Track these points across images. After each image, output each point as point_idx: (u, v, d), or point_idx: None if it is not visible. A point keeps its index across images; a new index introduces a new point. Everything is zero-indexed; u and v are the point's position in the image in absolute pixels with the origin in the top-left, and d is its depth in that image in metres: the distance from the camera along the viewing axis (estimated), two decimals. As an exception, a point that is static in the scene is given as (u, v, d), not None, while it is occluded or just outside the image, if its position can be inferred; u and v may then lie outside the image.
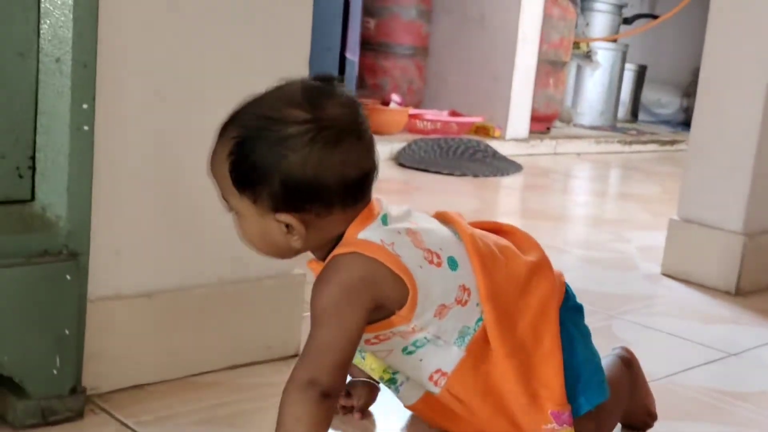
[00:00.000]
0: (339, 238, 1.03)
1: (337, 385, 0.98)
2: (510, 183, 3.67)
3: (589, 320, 1.87)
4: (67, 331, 1.16)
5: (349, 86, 2.54)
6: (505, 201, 3.42)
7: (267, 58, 1.38)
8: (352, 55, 2.52)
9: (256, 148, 0.98)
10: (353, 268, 0.99)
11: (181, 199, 1.33)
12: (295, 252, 1.06)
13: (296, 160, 0.97)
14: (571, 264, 2.36)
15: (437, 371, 1.08)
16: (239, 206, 1.03)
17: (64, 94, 1.12)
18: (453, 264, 1.06)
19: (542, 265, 1.13)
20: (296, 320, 1.50)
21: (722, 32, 2.21)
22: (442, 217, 1.14)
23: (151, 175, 1.29)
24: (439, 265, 1.04)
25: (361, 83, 4.22)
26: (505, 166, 3.93)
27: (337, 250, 1.02)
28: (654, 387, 1.53)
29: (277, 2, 1.38)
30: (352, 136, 1.00)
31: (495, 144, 4.27)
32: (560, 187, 3.97)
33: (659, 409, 1.45)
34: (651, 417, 1.30)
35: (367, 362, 1.16)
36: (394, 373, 1.15)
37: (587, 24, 5.59)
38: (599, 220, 3.23)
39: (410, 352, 1.07)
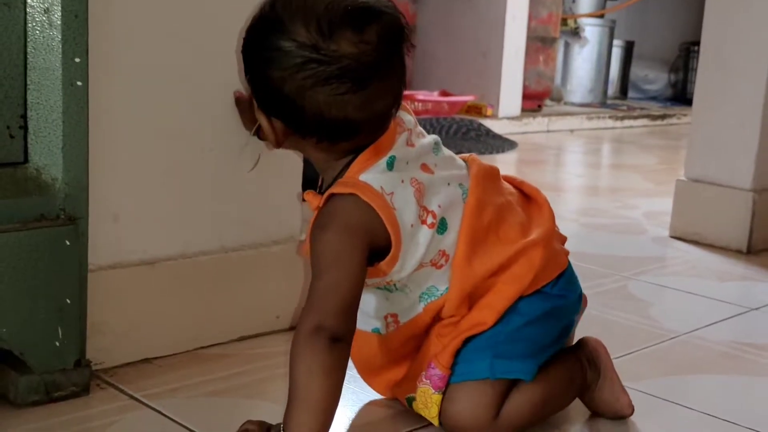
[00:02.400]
0: (348, 165, 1.00)
1: (345, 328, 0.94)
2: (506, 159, 3.61)
3: (603, 281, 1.83)
4: (68, 301, 1.09)
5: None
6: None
7: None
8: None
9: (251, 41, 0.97)
10: (351, 213, 0.95)
11: (183, 160, 1.26)
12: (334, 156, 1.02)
13: (277, 76, 0.94)
14: (577, 231, 2.31)
15: (392, 315, 1.07)
16: (255, 104, 1.04)
17: (55, 48, 1.05)
18: (443, 227, 1.01)
19: (534, 244, 1.05)
20: (305, 288, 1.44)
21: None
22: (470, 162, 1.08)
23: (150, 133, 1.22)
24: (432, 226, 1.00)
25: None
26: (500, 144, 3.88)
27: (335, 188, 0.98)
28: (677, 342, 1.49)
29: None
30: (361, 78, 0.94)
31: (488, 123, 4.21)
32: (557, 161, 3.92)
33: (684, 362, 1.41)
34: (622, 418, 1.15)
35: None
36: None
37: (574, 0, 5.54)
38: (602, 190, 3.19)
39: (388, 289, 1.06)
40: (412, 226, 0.98)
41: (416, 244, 0.99)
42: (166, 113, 1.23)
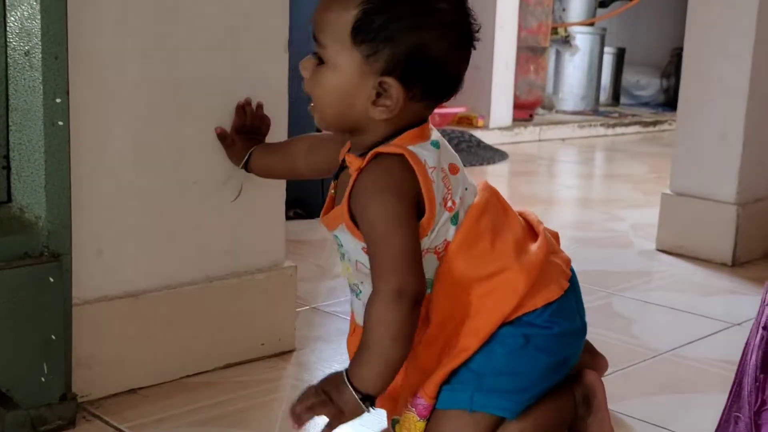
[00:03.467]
0: (385, 139, 1.00)
1: (423, 288, 0.96)
2: (497, 171, 3.64)
3: (588, 299, 1.83)
4: (53, 336, 1.11)
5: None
6: (492, 189, 3.38)
7: (246, 42, 1.34)
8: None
9: (398, 6, 0.96)
10: (402, 174, 0.97)
11: (165, 194, 1.28)
12: (352, 125, 1.01)
13: (434, 36, 0.95)
14: (564, 245, 2.30)
15: None
16: (338, 57, 0.97)
17: (36, 89, 1.08)
18: (455, 219, 1.03)
19: (520, 269, 1.05)
20: (290, 314, 1.46)
21: (704, 3, 2.18)
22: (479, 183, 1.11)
23: (133, 168, 1.24)
24: (450, 210, 1.01)
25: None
26: (491, 155, 3.90)
27: (383, 148, 0.98)
28: (658, 361, 1.51)
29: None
30: (473, 40, 1.01)
31: (479, 133, 4.23)
32: (548, 172, 3.94)
33: (667, 381, 1.43)
34: None
35: (345, 266, 1.12)
36: (358, 291, 1.09)
37: (564, 9, 5.56)
38: (590, 201, 3.21)
39: None
40: (439, 204, 1.00)
41: (437, 223, 1.01)
42: (148, 148, 1.25)
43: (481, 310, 1.04)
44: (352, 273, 1.06)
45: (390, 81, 0.96)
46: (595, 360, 1.21)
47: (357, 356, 0.96)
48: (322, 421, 0.95)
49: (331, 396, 0.94)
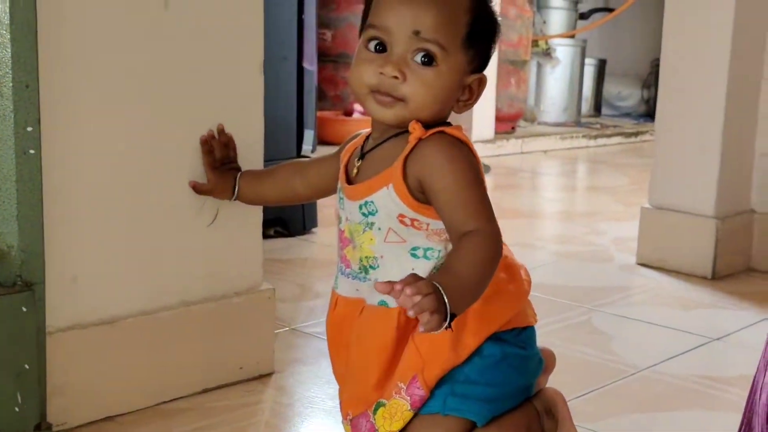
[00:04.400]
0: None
1: None
2: (479, 184, 3.64)
3: (568, 315, 1.86)
4: (27, 366, 1.10)
5: (309, 97, 2.49)
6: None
7: (221, 69, 1.34)
8: (310, 65, 2.48)
9: (490, 8, 1.02)
10: (467, 149, 1.00)
11: (139, 219, 1.28)
12: (437, 119, 1.02)
13: (498, 28, 1.04)
14: (546, 259, 2.34)
15: None
16: (452, 59, 0.98)
17: (7, 117, 1.07)
18: None
19: (517, 290, 1.07)
20: (268, 337, 1.45)
21: (679, 18, 2.20)
22: None
23: (105, 196, 1.24)
24: None
25: (322, 95, 4.18)
26: (473, 168, 3.91)
27: (448, 129, 1.00)
28: (637, 378, 1.51)
29: (228, 13, 1.34)
30: None
31: (461, 146, 4.24)
32: (530, 185, 3.95)
33: (645, 399, 1.43)
34: None
35: (364, 238, 1.08)
36: (371, 267, 1.08)
37: (544, 21, 5.59)
38: (571, 214, 3.21)
39: (415, 256, 1.03)
40: None
41: None
42: (122, 175, 1.25)
43: (486, 313, 1.04)
44: (377, 244, 1.03)
45: (480, 78, 1.03)
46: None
47: (451, 278, 0.92)
48: None
49: (427, 295, 0.89)
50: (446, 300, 0.89)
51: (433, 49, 0.97)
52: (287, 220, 2.49)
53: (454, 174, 0.98)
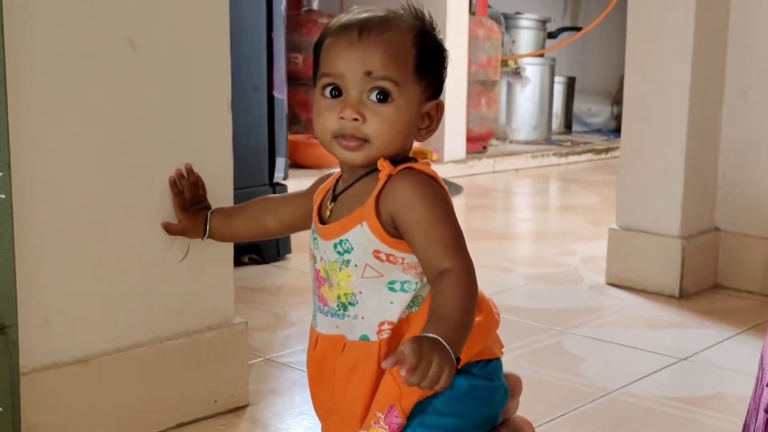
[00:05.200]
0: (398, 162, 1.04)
1: None
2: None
3: (539, 338, 1.89)
4: (0, 408, 1.11)
5: (280, 125, 2.52)
6: (448, 224, 3.41)
7: (189, 108, 1.36)
8: (280, 94, 2.50)
9: (435, 37, 1.05)
10: (437, 185, 1.03)
11: (111, 258, 1.29)
12: (401, 152, 1.05)
13: (446, 57, 1.06)
14: (517, 282, 2.37)
15: (390, 323, 1.05)
16: (405, 94, 1.01)
17: (-23, 164, 1.08)
18: None
19: (487, 321, 1.11)
20: (242, 370, 1.47)
21: (641, 45, 2.25)
22: None
23: (76, 237, 1.25)
24: None
25: (295, 119, 4.20)
26: (446, 189, 3.94)
27: (417, 165, 1.02)
28: (606, 401, 1.54)
29: (195, 53, 1.36)
30: None
31: (433, 167, 4.27)
32: (502, 205, 3.99)
33: (614, 422, 1.45)
34: None
35: (341, 276, 1.10)
36: (350, 304, 1.10)
37: (513, 41, 5.66)
38: (542, 235, 3.25)
39: (393, 289, 1.05)
40: None
41: None
42: (93, 214, 1.26)
43: None
44: (354, 281, 1.05)
45: (437, 104, 1.05)
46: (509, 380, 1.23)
47: (443, 325, 0.96)
48: None
49: (435, 357, 0.92)
50: (449, 349, 0.93)
51: (387, 85, 1.00)
52: (261, 247, 2.50)
53: (425, 210, 1.00)
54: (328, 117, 1.02)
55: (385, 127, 1.02)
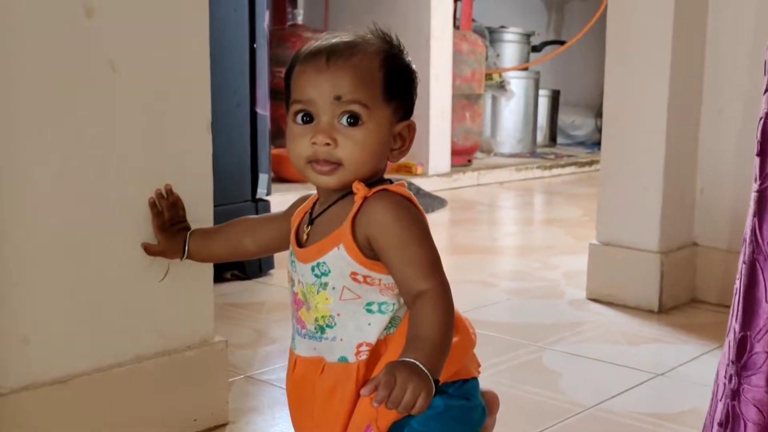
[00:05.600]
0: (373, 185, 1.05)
1: None
2: (436, 219, 3.70)
3: (518, 353, 1.90)
4: (-22, 430, 1.12)
5: (263, 141, 2.53)
6: (432, 237, 3.43)
7: (169, 129, 1.37)
8: (263, 110, 2.52)
9: (402, 59, 1.07)
10: (412, 206, 1.05)
11: (91, 278, 1.30)
12: (376, 174, 1.07)
13: (415, 78, 1.08)
14: (499, 297, 2.38)
15: (368, 344, 1.07)
16: (375, 116, 1.03)
17: (-44, 187, 1.09)
18: None
19: (462, 341, 1.12)
20: (222, 388, 1.48)
21: (620, 64, 2.28)
22: None
23: (57, 255, 1.26)
24: None
25: (279, 133, 4.22)
26: (430, 203, 3.96)
27: (392, 187, 1.04)
28: (583, 417, 1.55)
29: (176, 75, 1.37)
30: None
31: (418, 181, 4.30)
32: (485, 219, 4.01)
33: (591, 439, 1.47)
34: None
35: (318, 299, 1.11)
36: (327, 326, 1.11)
37: (498, 55, 5.70)
38: (525, 249, 3.27)
39: (371, 311, 1.06)
40: None
41: None
42: (72, 235, 1.27)
43: None
44: (332, 303, 1.07)
45: (408, 125, 1.06)
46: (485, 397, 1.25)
47: (422, 348, 0.97)
48: None
49: (410, 384, 0.94)
50: (427, 372, 0.95)
51: (356, 109, 1.02)
52: (244, 264, 2.51)
53: (401, 232, 1.02)
54: (300, 143, 1.04)
55: (357, 150, 1.03)
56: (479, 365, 1.16)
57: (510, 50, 5.79)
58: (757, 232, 0.81)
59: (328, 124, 1.03)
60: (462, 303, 1.18)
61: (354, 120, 1.03)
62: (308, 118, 1.04)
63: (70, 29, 1.24)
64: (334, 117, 1.03)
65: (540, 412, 1.56)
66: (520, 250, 3.28)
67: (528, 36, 5.93)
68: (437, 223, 3.63)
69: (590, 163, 5.62)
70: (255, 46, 2.48)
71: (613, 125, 2.31)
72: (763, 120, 0.83)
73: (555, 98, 6.44)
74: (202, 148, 1.41)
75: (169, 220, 1.30)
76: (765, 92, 0.83)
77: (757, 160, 0.83)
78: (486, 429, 1.19)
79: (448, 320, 1.01)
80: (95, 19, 1.26)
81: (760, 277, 0.82)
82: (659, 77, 2.19)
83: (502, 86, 5.62)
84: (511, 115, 5.72)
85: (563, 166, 5.42)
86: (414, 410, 0.95)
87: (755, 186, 0.83)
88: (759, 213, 0.81)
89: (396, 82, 1.05)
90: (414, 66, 1.10)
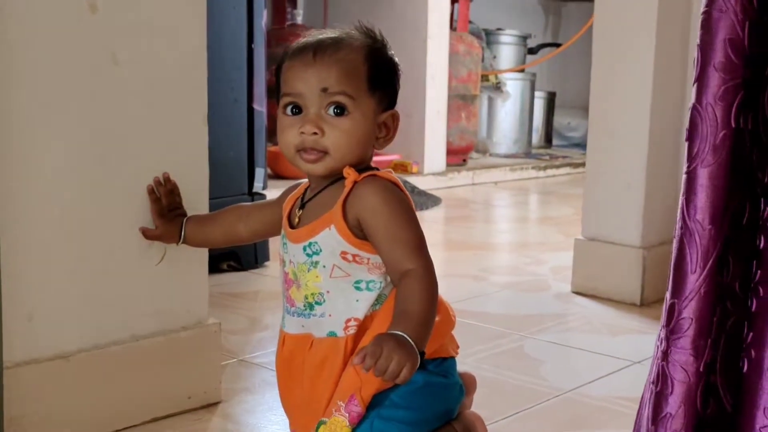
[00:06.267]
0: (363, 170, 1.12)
1: None
2: (431, 216, 3.77)
3: (501, 342, 1.98)
4: (-16, 399, 1.19)
5: (259, 137, 2.60)
6: (426, 235, 3.49)
7: (167, 120, 1.44)
8: (260, 106, 2.59)
9: (385, 52, 1.14)
10: (399, 191, 1.12)
11: (92, 260, 1.37)
12: (362, 161, 1.13)
13: (398, 70, 1.15)
14: (487, 290, 2.46)
15: (356, 320, 1.13)
16: (361, 106, 1.10)
17: (-34, 170, 1.16)
18: None
19: (442, 322, 1.19)
20: (215, 368, 1.55)
21: (605, 65, 2.36)
22: None
23: (60, 236, 1.33)
24: None
25: (276, 130, 4.29)
26: (424, 201, 4.03)
27: (381, 173, 1.11)
28: (561, 400, 1.63)
29: (175, 68, 1.44)
30: None
31: (414, 179, 4.37)
32: (480, 217, 4.08)
33: (567, 419, 1.54)
34: None
35: (309, 277, 1.17)
36: (316, 303, 1.16)
37: (494, 57, 5.78)
38: (516, 245, 3.35)
39: (359, 288, 1.13)
40: None
41: None
42: (74, 219, 1.35)
43: None
44: (322, 281, 1.13)
45: (392, 114, 1.13)
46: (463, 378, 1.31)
47: (408, 321, 1.04)
48: None
49: (395, 355, 1.00)
50: (413, 344, 1.02)
51: (342, 99, 1.09)
52: (240, 254, 2.58)
53: (389, 214, 1.09)
54: (290, 133, 1.11)
55: (343, 138, 1.11)
56: (458, 346, 1.23)
57: (506, 52, 5.87)
58: (685, 210, 0.89)
59: (316, 115, 1.10)
60: (452, 295, 1.25)
61: (340, 110, 1.10)
62: (297, 109, 1.11)
63: (76, 24, 1.32)
64: (321, 108, 1.10)
65: (518, 395, 1.63)
66: (511, 246, 3.36)
67: (524, 38, 6.01)
68: (432, 220, 3.70)
69: (584, 165, 5.67)
70: (252, 43, 2.55)
71: (599, 125, 2.39)
72: (690, 109, 0.91)
73: (551, 100, 6.51)
74: (199, 139, 1.49)
75: (167, 206, 1.37)
76: (693, 83, 0.91)
77: (686, 146, 0.90)
78: (463, 407, 1.26)
79: (433, 297, 1.08)
80: (99, 15, 1.34)
81: (687, 251, 0.90)
82: (643, 79, 2.27)
83: (498, 87, 5.69)
84: (506, 116, 5.79)
85: (558, 166, 5.49)
86: (399, 379, 1.02)
87: (684, 168, 0.91)
88: (687, 193, 0.89)
89: (379, 74, 1.12)
90: (397, 59, 1.17)
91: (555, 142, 6.66)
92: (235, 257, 2.58)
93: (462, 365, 1.19)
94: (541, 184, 5.10)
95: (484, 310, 2.22)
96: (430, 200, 4.07)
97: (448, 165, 4.82)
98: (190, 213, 1.37)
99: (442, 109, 4.69)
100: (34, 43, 1.27)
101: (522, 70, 5.89)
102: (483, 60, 5.30)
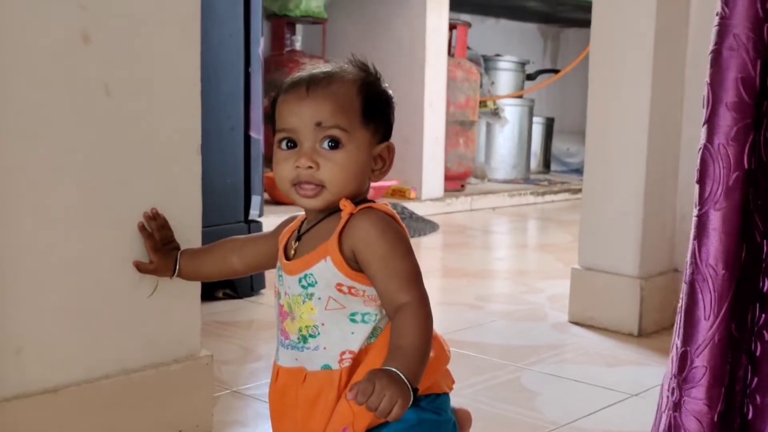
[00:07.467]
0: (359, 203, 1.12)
1: None
2: (428, 242, 3.76)
3: (497, 373, 1.96)
4: (-29, 435, 1.17)
5: (256, 164, 2.60)
6: (423, 261, 3.48)
7: (159, 151, 1.43)
8: (256, 134, 2.59)
9: (379, 85, 1.14)
10: (395, 223, 1.12)
11: (82, 291, 1.36)
12: (358, 194, 1.13)
13: (393, 103, 1.16)
14: (483, 319, 2.44)
15: (351, 352, 1.12)
16: (355, 139, 1.10)
17: (-45, 203, 1.15)
18: None
19: (436, 358, 1.18)
20: (207, 401, 1.53)
21: (602, 93, 2.36)
22: None
23: (50, 269, 1.32)
24: None
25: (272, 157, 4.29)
26: (422, 227, 4.02)
27: (375, 205, 1.11)
28: (558, 434, 1.60)
29: (167, 99, 1.44)
30: None
31: (412, 205, 4.37)
32: (477, 243, 4.07)
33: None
34: None
35: (304, 309, 1.16)
36: (310, 336, 1.16)
37: (492, 83, 5.79)
38: (513, 273, 3.33)
39: (354, 321, 1.12)
40: None
41: None
42: (65, 251, 1.33)
43: None
44: (317, 313, 1.12)
45: (388, 146, 1.13)
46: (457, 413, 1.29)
47: (403, 357, 1.03)
48: None
49: (387, 392, 0.99)
50: (406, 381, 1.01)
51: (336, 133, 1.09)
52: (236, 283, 2.57)
53: (385, 246, 1.09)
54: (285, 167, 1.11)
55: (338, 171, 1.10)
56: (453, 381, 1.21)
57: (505, 78, 5.88)
58: (697, 254, 0.88)
59: (311, 149, 1.10)
60: (447, 324, 1.24)
61: (335, 144, 1.10)
62: (292, 144, 1.11)
63: (69, 55, 1.31)
64: (316, 142, 1.09)
65: (513, 428, 1.61)
66: (508, 274, 3.34)
67: (523, 64, 6.02)
68: (429, 246, 3.69)
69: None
70: (249, 71, 2.56)
71: (596, 152, 2.38)
72: (701, 150, 0.90)
73: (549, 126, 6.52)
74: (192, 170, 1.48)
75: (160, 240, 1.36)
76: (704, 124, 0.90)
77: (696, 188, 0.89)
78: None
79: (428, 332, 1.07)
80: (92, 46, 1.33)
81: (699, 297, 0.88)
82: (640, 105, 2.27)
83: (496, 113, 5.70)
84: (505, 141, 5.79)
85: (556, 192, 5.49)
86: (390, 417, 1.00)
87: (695, 211, 0.89)
88: (698, 237, 0.88)
89: (373, 106, 1.12)
90: (390, 91, 1.17)
91: (553, 167, 6.66)
92: (230, 285, 2.57)
93: (459, 397, 1.18)
94: (540, 209, 5.10)
95: (481, 340, 2.20)
96: (427, 226, 4.06)
97: (446, 191, 4.82)
98: (182, 244, 1.36)
99: (440, 135, 4.70)
100: (26, 74, 1.27)
101: (520, 96, 5.90)
102: (481, 86, 5.32)
